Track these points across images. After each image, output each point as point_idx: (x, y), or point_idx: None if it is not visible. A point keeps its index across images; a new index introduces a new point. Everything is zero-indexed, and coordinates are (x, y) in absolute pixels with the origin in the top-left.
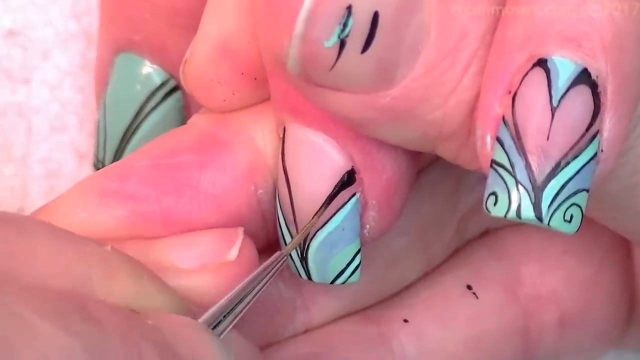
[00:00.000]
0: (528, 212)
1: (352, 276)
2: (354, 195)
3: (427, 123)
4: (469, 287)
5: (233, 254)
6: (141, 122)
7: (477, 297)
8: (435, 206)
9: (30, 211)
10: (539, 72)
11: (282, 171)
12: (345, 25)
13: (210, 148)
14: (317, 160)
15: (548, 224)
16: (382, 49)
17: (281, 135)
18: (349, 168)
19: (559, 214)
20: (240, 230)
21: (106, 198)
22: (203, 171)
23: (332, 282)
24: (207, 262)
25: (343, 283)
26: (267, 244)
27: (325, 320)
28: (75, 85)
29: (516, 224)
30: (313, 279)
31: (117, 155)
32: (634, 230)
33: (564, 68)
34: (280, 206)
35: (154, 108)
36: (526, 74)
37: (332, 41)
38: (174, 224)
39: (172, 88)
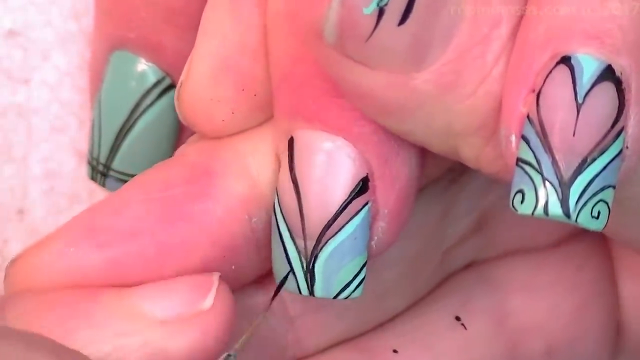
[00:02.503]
0: (556, 209)
1: (356, 290)
2: (366, 203)
3: (455, 113)
4: (458, 319)
5: (208, 303)
6: (136, 119)
7: (465, 328)
8: (423, 237)
9: (30, 211)
10: (563, 70)
11: (290, 182)
12: None
13: (202, 180)
14: (331, 167)
15: (576, 220)
16: (418, 24)
17: (284, 151)
18: (364, 175)
19: (587, 210)
20: (216, 276)
21: (99, 236)
22: (196, 204)
23: (335, 297)
24: (182, 312)
25: (346, 298)
26: (259, 273)
27: (315, 351)
28: (75, 86)
29: (502, 255)
30: (316, 293)
31: (112, 152)
32: None
33: (588, 65)
34: (284, 220)
35: (149, 106)
36: (550, 72)
37: (371, 8)
38: (168, 258)
39: (168, 86)
